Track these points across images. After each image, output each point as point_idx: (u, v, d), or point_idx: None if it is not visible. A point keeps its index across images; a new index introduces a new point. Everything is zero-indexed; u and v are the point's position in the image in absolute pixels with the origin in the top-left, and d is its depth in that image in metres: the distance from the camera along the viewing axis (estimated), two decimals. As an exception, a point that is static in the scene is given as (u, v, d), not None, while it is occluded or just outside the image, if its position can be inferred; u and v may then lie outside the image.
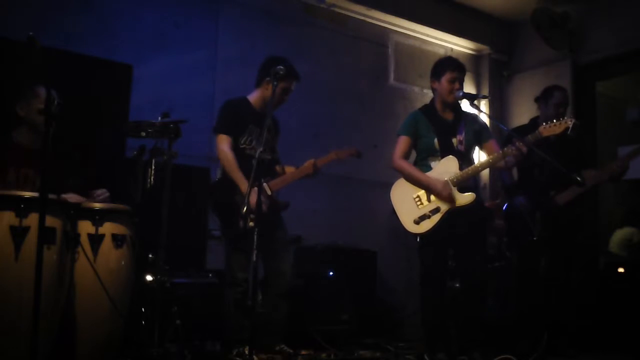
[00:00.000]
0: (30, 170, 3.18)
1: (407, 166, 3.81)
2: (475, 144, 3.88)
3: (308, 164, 3.88)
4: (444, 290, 3.81)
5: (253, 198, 3.25)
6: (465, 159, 3.74)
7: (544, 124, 3.62)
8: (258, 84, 3.94)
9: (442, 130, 3.78)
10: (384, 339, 4.70)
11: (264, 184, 3.69)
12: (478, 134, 3.86)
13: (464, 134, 3.77)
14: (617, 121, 7.22)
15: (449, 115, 3.85)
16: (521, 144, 3.56)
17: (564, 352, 4.15)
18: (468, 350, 3.60)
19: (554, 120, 3.60)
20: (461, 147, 3.76)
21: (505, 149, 3.65)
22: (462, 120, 3.83)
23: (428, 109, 3.91)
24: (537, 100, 4.53)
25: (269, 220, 3.73)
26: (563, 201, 4.24)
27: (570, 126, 3.50)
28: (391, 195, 3.83)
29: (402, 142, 3.85)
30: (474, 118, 3.93)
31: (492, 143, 3.85)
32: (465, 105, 3.96)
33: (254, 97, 3.93)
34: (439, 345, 3.70)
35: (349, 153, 4.00)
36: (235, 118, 3.83)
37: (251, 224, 3.58)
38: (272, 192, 3.75)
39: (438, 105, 3.87)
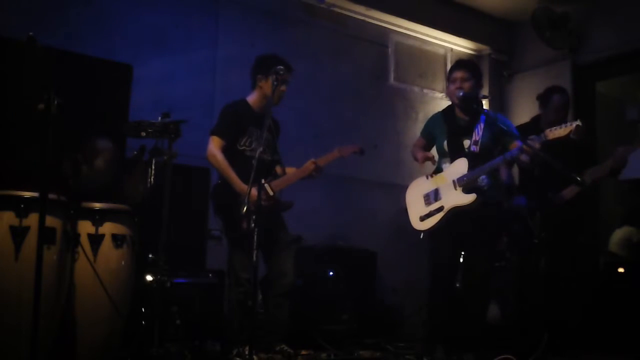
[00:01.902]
0: None
1: (413, 147, 4.18)
2: (494, 146, 3.83)
3: (308, 164, 3.88)
4: (451, 290, 3.83)
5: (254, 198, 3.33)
6: (478, 161, 3.71)
7: (553, 127, 3.60)
8: (254, 86, 3.94)
9: (454, 132, 3.83)
10: (384, 339, 4.70)
11: (266, 184, 3.69)
12: (498, 136, 3.82)
13: (480, 135, 3.77)
14: (617, 121, 7.21)
15: (465, 117, 3.85)
16: (528, 147, 3.56)
17: (564, 352, 4.15)
18: (467, 349, 3.61)
19: (562, 125, 3.59)
20: (475, 148, 3.75)
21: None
22: (479, 121, 3.80)
23: (447, 111, 4.00)
24: (538, 99, 4.53)
25: (272, 221, 3.74)
26: (567, 197, 4.25)
27: (574, 129, 3.52)
28: (406, 194, 4.00)
29: (418, 140, 4.22)
30: (495, 119, 3.88)
31: (514, 146, 3.75)
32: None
33: (252, 98, 3.94)
34: (440, 345, 3.71)
35: (353, 150, 4.01)
36: (235, 121, 3.84)
37: (253, 225, 3.62)
38: (274, 192, 3.74)
39: (456, 107, 3.91)
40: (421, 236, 3.82)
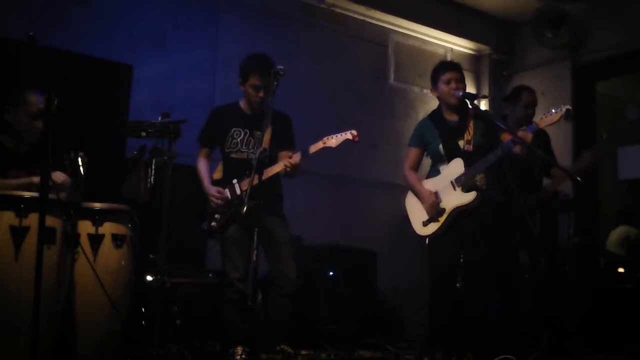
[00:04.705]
0: (20, 172, 3.17)
1: (410, 178, 3.92)
2: (486, 142, 3.78)
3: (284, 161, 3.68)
4: (451, 290, 3.82)
5: (218, 196, 3.65)
6: (473, 159, 3.68)
7: (543, 115, 3.58)
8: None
9: (447, 134, 3.79)
10: (384, 339, 4.70)
11: (236, 184, 3.71)
12: (488, 131, 3.79)
13: (472, 134, 3.76)
14: (617, 121, 7.22)
15: (454, 118, 3.83)
16: (521, 138, 3.53)
17: (564, 352, 4.15)
18: (467, 349, 3.61)
19: (549, 113, 3.54)
20: (468, 148, 3.73)
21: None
22: (469, 120, 3.78)
23: (434, 115, 3.94)
24: (506, 100, 4.57)
25: (255, 219, 3.47)
26: (534, 199, 4.27)
27: (564, 114, 3.49)
28: (405, 201, 3.94)
29: (411, 153, 3.97)
30: (483, 115, 3.86)
31: (503, 138, 3.71)
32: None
33: (242, 100, 3.92)
34: (441, 345, 3.72)
35: (343, 140, 3.66)
36: (215, 127, 3.86)
37: (214, 224, 3.70)
38: (242, 191, 3.69)
39: (443, 109, 3.88)
40: (426, 242, 3.80)
